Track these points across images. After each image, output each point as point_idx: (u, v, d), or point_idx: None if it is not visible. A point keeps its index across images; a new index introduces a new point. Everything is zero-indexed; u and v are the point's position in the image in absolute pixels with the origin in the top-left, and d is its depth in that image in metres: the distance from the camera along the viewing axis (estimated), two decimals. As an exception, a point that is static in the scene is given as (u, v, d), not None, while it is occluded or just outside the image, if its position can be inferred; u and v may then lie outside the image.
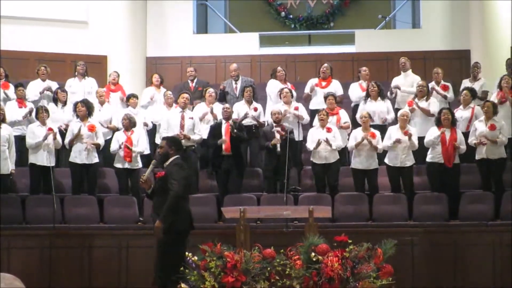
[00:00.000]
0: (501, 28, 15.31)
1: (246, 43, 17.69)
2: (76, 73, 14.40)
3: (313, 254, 7.98)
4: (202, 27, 19.19)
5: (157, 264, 8.64)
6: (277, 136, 12.09)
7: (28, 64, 16.08)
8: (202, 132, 12.65)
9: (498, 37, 15.39)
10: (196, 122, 12.57)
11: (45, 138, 12.16)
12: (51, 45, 16.34)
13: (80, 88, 14.18)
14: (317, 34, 19.15)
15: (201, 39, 18.00)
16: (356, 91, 13.97)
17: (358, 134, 12.22)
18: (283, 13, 19.11)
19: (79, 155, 12.32)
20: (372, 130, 12.26)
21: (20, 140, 12.58)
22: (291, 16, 19.13)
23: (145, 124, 13.23)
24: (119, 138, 12.48)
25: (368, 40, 17.54)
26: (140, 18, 17.33)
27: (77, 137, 12.30)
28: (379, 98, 13.18)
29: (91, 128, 12.40)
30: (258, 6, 19.39)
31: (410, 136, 11.94)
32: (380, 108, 13.09)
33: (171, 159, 8.72)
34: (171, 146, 8.79)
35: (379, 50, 17.06)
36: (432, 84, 13.41)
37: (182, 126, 12.38)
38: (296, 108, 12.90)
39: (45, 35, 16.36)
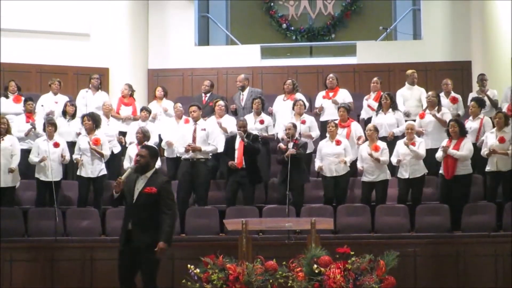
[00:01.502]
0: (502, 40, 15.32)
1: (248, 55, 17.69)
2: (90, 85, 14.42)
3: (315, 266, 7.97)
4: (204, 39, 19.20)
5: (146, 278, 8.33)
6: (290, 148, 12.07)
7: (30, 77, 16.11)
8: (217, 142, 12.63)
9: (499, 48, 15.40)
10: (210, 132, 12.54)
11: (42, 160, 12.17)
12: (52, 58, 16.35)
13: (93, 101, 14.16)
14: (318, 45, 19.16)
15: (203, 51, 18.01)
16: (368, 110, 13.98)
17: (363, 148, 12.23)
18: (284, 25, 19.12)
19: (85, 169, 12.36)
20: (379, 143, 12.25)
21: (27, 153, 12.59)
22: (292, 27, 19.13)
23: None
24: (130, 154, 12.45)
25: (370, 52, 17.54)
26: (142, 30, 17.35)
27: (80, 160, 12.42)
28: (390, 110, 13.17)
29: (96, 142, 12.40)
30: (260, 18, 19.41)
31: (407, 145, 11.98)
32: (388, 121, 13.07)
33: (152, 171, 8.37)
34: (152, 157, 8.44)
35: (381, 61, 17.04)
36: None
37: (194, 139, 12.36)
38: (303, 122, 12.88)
39: (46, 47, 16.37)
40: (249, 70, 16.99)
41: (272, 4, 19.26)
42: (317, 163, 12.35)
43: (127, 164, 12.48)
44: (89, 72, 15.05)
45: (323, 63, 17.68)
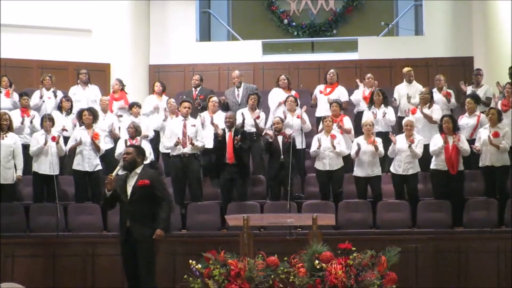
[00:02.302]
0: (504, 35, 15.31)
1: (249, 51, 17.70)
2: (79, 81, 14.45)
3: (316, 261, 7.97)
4: (205, 34, 19.21)
5: (145, 272, 8.47)
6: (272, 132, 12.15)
7: (31, 73, 16.14)
8: (205, 139, 12.61)
9: (500, 44, 15.40)
10: (199, 129, 12.52)
11: (46, 143, 12.18)
12: (54, 53, 16.39)
13: (84, 96, 14.22)
14: (320, 41, 19.15)
15: (204, 47, 18.02)
16: (357, 97, 14.06)
17: (360, 141, 12.21)
18: (286, 21, 19.12)
19: (82, 163, 12.36)
20: (375, 138, 12.24)
21: (24, 148, 12.56)
22: (294, 23, 19.13)
23: (145, 136, 13.13)
24: (124, 146, 12.51)
25: (371, 47, 17.55)
26: (143, 26, 17.36)
27: (79, 145, 12.33)
28: (382, 105, 13.18)
29: (95, 137, 12.42)
30: (261, 13, 19.40)
31: (409, 145, 11.94)
32: (380, 116, 13.04)
33: (141, 167, 8.66)
34: (139, 154, 8.70)
35: (382, 57, 17.07)
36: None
37: (184, 134, 12.36)
38: (299, 117, 12.86)
39: (48, 43, 16.40)
40: (250, 66, 17.01)
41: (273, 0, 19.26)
42: (314, 147, 12.26)
43: (119, 152, 12.49)
44: (90, 68, 15.04)
45: (325, 59, 17.70)
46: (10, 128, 12.30)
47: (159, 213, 8.47)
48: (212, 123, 12.81)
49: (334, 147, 12.12)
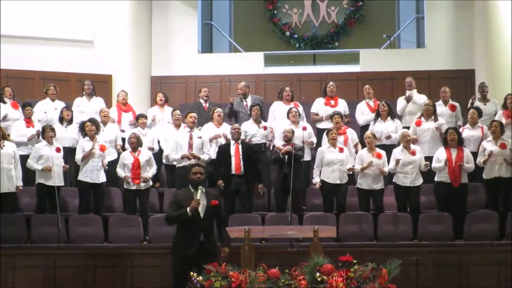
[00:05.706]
0: (505, 48, 15.32)
1: (251, 63, 17.72)
2: (84, 92, 14.42)
3: (317, 274, 7.97)
4: (207, 46, 19.26)
5: None
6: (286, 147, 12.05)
7: (34, 84, 16.15)
8: (211, 151, 12.61)
9: (502, 56, 15.40)
10: (205, 141, 12.53)
11: (50, 168, 12.13)
12: (56, 65, 16.40)
13: (89, 107, 14.18)
14: (322, 53, 19.20)
15: (206, 59, 18.06)
16: (364, 112, 13.97)
17: (364, 154, 12.20)
18: (287, 33, 19.18)
19: (90, 174, 12.31)
20: (378, 150, 12.22)
21: (24, 159, 12.53)
22: (296, 35, 19.19)
23: (151, 149, 13.09)
24: (125, 161, 12.39)
25: (373, 60, 17.57)
26: (145, 38, 17.40)
27: (89, 155, 12.30)
28: (388, 118, 13.17)
29: (102, 148, 12.41)
30: (263, 25, 19.46)
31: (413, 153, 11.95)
32: (388, 128, 13.05)
33: (204, 186, 9.19)
34: (205, 173, 9.37)
35: (384, 69, 17.08)
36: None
37: (190, 146, 12.35)
38: (304, 128, 12.81)
39: (50, 54, 16.42)
40: (252, 77, 17.02)
41: (275, 11, 19.32)
42: (316, 178, 12.25)
43: (121, 171, 12.41)
44: (92, 79, 15.05)
45: (327, 71, 17.73)
46: (4, 137, 12.25)
47: (222, 232, 9.27)
48: (226, 137, 12.80)
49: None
